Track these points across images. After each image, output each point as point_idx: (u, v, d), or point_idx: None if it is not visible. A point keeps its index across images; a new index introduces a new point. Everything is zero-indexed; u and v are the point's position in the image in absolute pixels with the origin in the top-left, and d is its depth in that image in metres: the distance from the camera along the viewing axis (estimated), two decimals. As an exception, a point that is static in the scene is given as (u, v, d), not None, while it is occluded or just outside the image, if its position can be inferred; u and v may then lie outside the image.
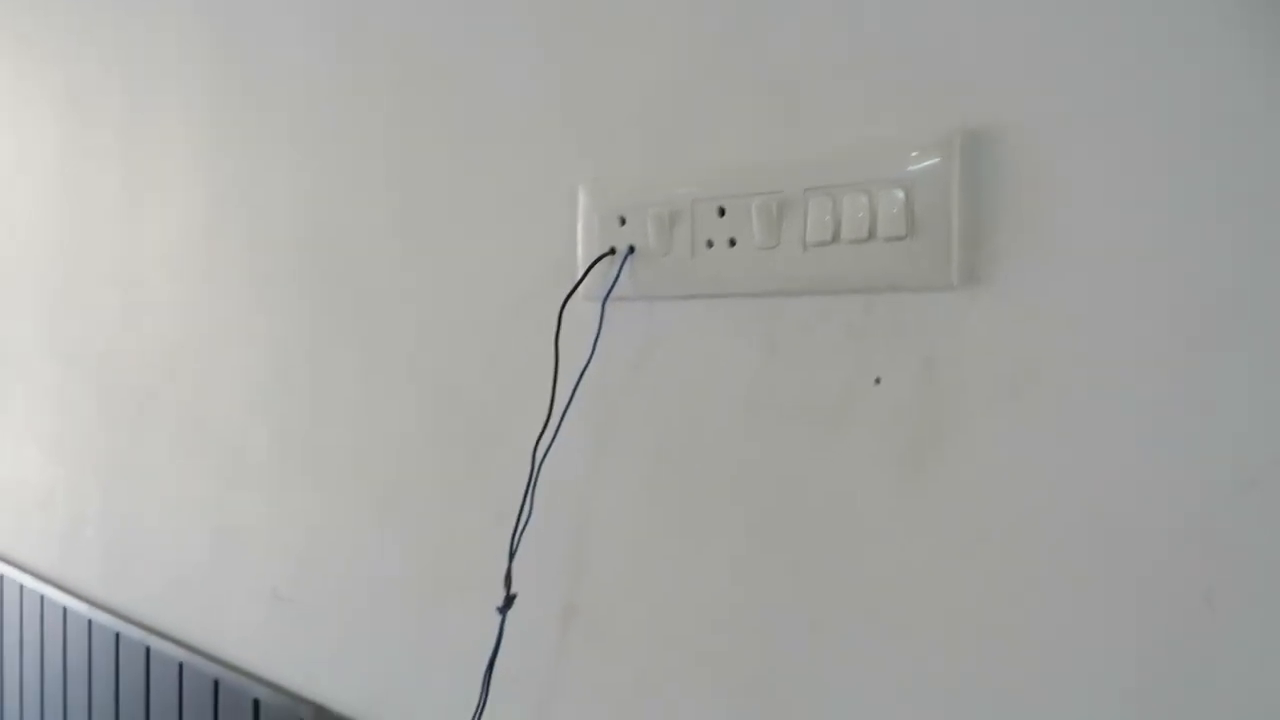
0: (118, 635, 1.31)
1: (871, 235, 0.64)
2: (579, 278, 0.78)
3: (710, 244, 0.73)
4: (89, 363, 1.40)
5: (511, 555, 0.79)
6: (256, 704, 1.10)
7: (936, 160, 0.61)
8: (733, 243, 0.71)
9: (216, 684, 1.15)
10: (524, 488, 0.80)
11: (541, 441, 0.79)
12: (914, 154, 0.62)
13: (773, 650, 0.70)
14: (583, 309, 0.78)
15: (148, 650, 1.26)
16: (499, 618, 0.80)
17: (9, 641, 1.54)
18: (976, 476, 0.61)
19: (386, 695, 0.97)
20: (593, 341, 0.77)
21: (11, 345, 1.59)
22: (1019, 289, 0.60)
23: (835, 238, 0.66)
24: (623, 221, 0.77)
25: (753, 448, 0.71)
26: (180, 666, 1.20)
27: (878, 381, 0.65)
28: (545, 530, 0.81)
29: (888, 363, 0.65)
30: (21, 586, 1.51)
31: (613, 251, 0.78)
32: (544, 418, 0.79)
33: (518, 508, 0.80)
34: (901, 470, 0.64)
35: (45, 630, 1.46)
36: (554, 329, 0.79)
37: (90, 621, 1.36)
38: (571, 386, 0.78)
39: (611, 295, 0.77)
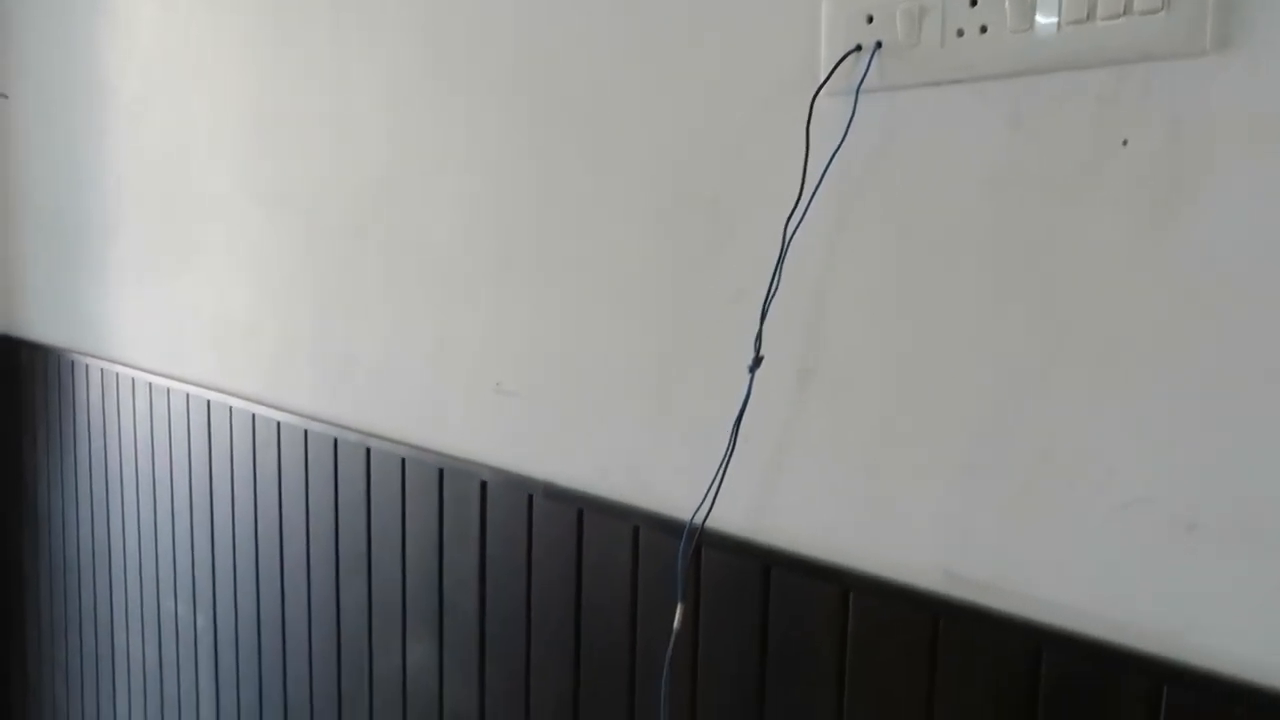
0: (335, 440, 1.47)
1: (1127, 10, 0.73)
2: (828, 72, 0.87)
3: (960, 33, 0.81)
4: (297, 200, 1.53)
5: (763, 317, 0.91)
6: (484, 486, 1.25)
7: (1200, -65, 0.69)
8: (984, 29, 0.80)
9: (441, 473, 1.30)
10: (772, 262, 0.91)
11: (791, 220, 0.89)
12: (1177, -69, 0.70)
13: (1006, 404, 0.81)
14: (829, 104, 0.88)
15: (368, 451, 1.41)
16: (748, 377, 0.92)
17: (218, 457, 1.72)
18: (1219, 232, 0.70)
19: (618, 467, 1.10)
20: (844, 129, 0.87)
21: (209, 187, 1.73)
22: (1271, 51, 0.68)
23: (1090, 15, 0.74)
24: (870, 20, 0.86)
25: (996, 217, 0.80)
26: (402, 461, 1.36)
27: (1125, 144, 0.74)
28: (790, 301, 0.92)
29: (1136, 126, 0.73)
30: (231, 408, 1.68)
31: (859, 48, 0.87)
32: (794, 199, 0.89)
33: (761, 283, 0.91)
34: (1145, 227, 0.74)
35: (258, 445, 1.62)
36: (804, 121, 0.88)
37: (306, 432, 1.52)
38: (821, 170, 0.88)
39: (861, 88, 0.86)
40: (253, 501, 1.65)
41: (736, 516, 0.98)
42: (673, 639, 0.98)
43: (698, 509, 0.98)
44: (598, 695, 1.14)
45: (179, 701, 1.91)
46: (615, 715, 1.11)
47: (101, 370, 2.05)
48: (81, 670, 2.24)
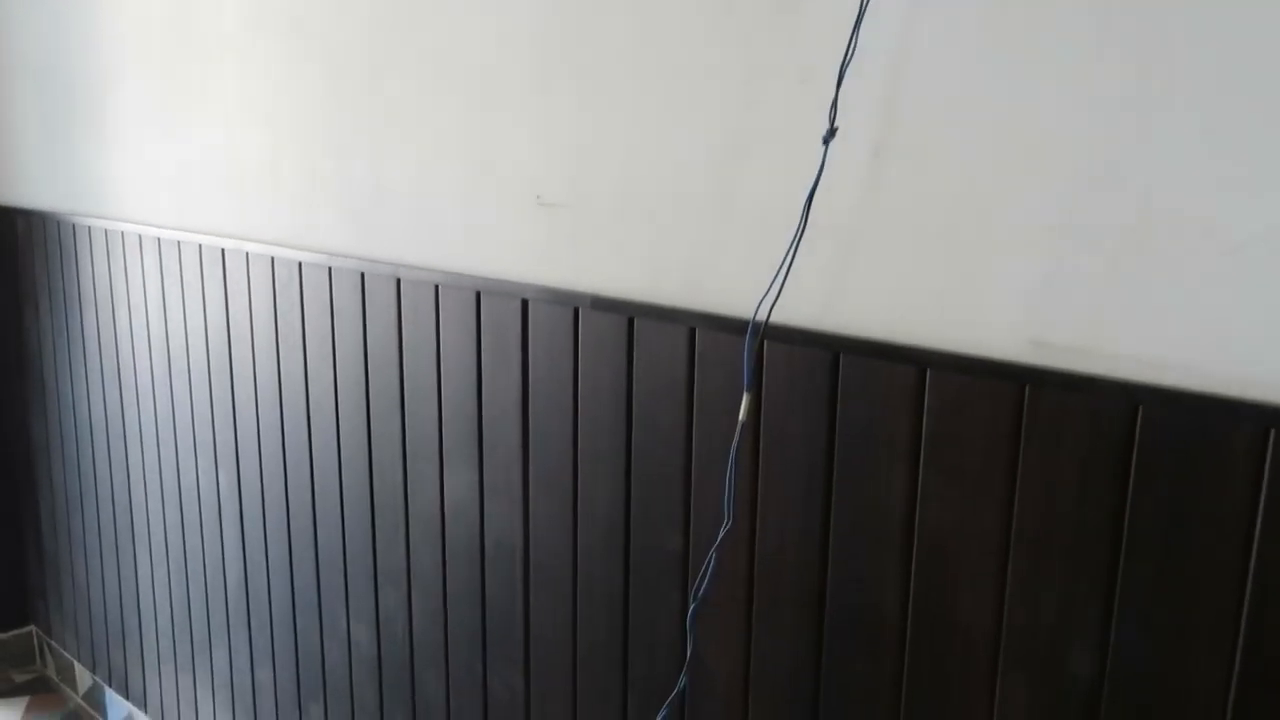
0: (362, 275, 1.42)
1: None
2: None
3: None
4: (313, 27, 1.45)
5: (838, 84, 0.86)
6: (525, 305, 1.21)
7: None
8: None
9: (478, 296, 1.26)
10: (847, 26, 0.85)
11: (869, -16, 0.84)
12: None
13: (1103, 156, 0.77)
14: None
15: (397, 282, 1.37)
16: (820, 151, 0.87)
17: (236, 307, 1.67)
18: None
19: (672, 269, 1.06)
20: None
21: (216, 26, 1.64)
22: None
23: None
24: None
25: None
26: (436, 289, 1.31)
27: None
28: (866, 66, 0.87)
29: None
30: (247, 254, 1.63)
31: None
32: (874, -48, 0.83)
33: (835, 51, 0.86)
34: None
35: (278, 288, 1.58)
36: None
37: (330, 270, 1.47)
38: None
39: None
40: (274, 350, 1.61)
41: (803, 306, 0.95)
42: (738, 431, 0.96)
43: (761, 300, 0.94)
44: (649, 509, 1.12)
45: (204, 563, 1.90)
46: (668, 527, 1.09)
47: (105, 231, 1.98)
48: (100, 540, 2.23)
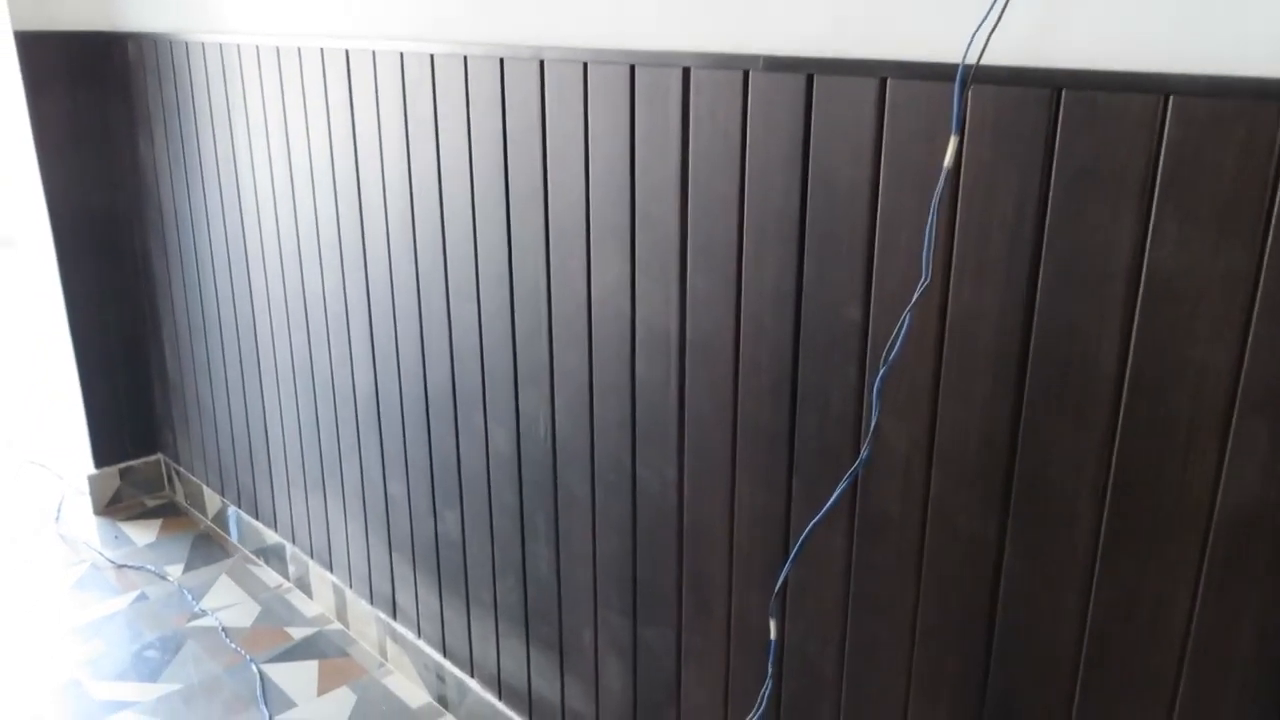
0: (500, 61, 1.36)
1: None
2: None
3: None
4: None
5: None
6: (685, 74, 1.14)
7: None
8: None
9: (631, 71, 1.19)
10: None
11: None
12: None
13: None
14: None
15: (540, 65, 1.31)
16: None
17: (362, 111, 1.63)
18: None
19: (856, 16, 0.98)
20: None
21: None
22: None
23: None
24: None
25: None
26: (584, 68, 1.25)
27: None
28: None
29: None
30: (374, 53, 1.57)
31: None
32: None
33: None
34: None
35: (408, 86, 1.53)
36: None
37: (465, 59, 1.41)
38: None
39: None
40: (404, 151, 1.57)
41: (1016, 42, 0.87)
42: (942, 178, 0.89)
43: (972, 38, 0.86)
44: (825, 279, 1.06)
45: (332, 379, 1.92)
46: (847, 295, 1.04)
47: (220, 46, 1.94)
48: (225, 364, 2.27)
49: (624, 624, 1.42)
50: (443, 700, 1.85)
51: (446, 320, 1.58)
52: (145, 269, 2.50)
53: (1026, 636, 0.97)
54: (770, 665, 1.15)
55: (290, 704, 1.88)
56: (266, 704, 1.87)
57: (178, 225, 2.29)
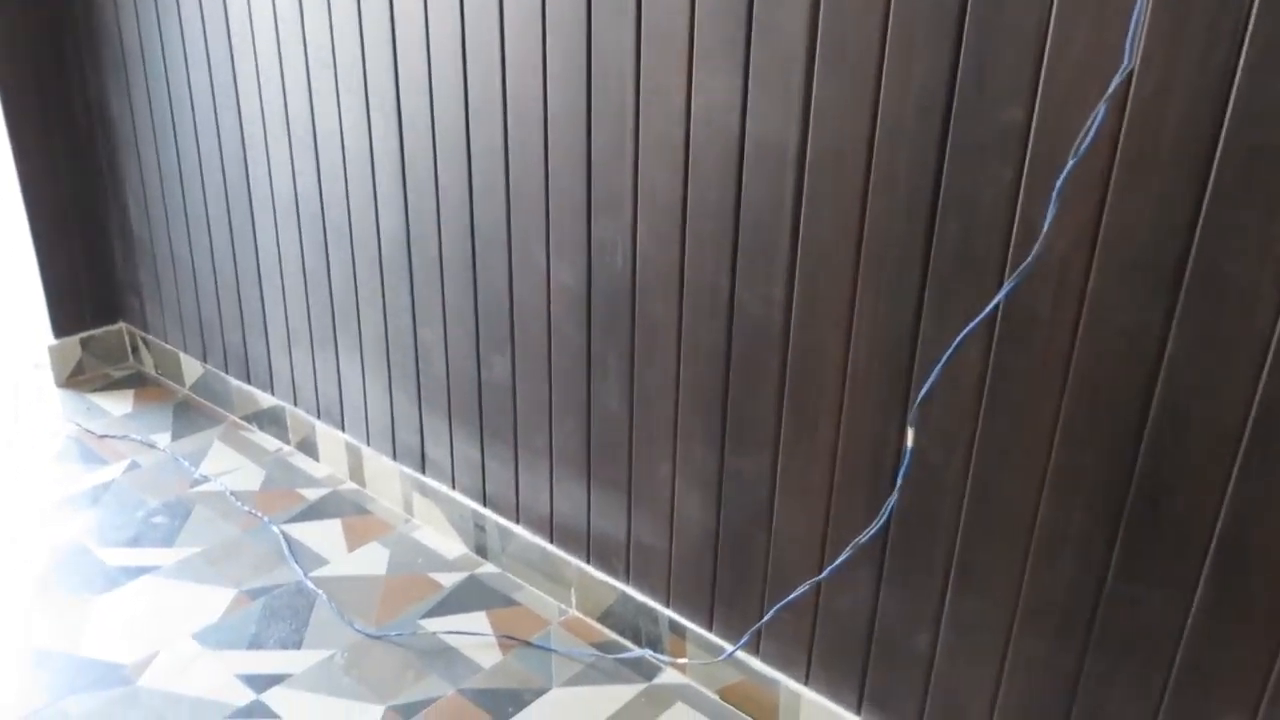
0: None
1: None
2: None
3: None
4: None
5: None
6: None
7: None
8: None
9: None
10: None
11: None
12: None
13: None
14: None
15: None
16: None
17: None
18: None
19: None
20: None
21: None
22: None
23: None
24: None
25: None
26: None
27: None
28: None
29: None
30: None
31: None
32: None
33: None
34: None
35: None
36: None
37: None
38: None
39: None
40: (450, -35, 1.45)
41: None
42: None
43: None
44: (983, 77, 1.03)
45: (349, 219, 1.81)
46: (1008, 94, 1.01)
47: None
48: (208, 213, 2.11)
49: (709, 455, 1.40)
50: (481, 549, 1.82)
51: (503, 151, 1.49)
52: (101, 118, 2.28)
53: (1182, 428, 0.99)
54: (900, 476, 1.16)
55: (321, 560, 1.82)
56: (298, 562, 1.81)
57: (144, 59, 2.08)
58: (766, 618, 1.37)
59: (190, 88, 2.00)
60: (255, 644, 1.62)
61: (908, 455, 1.13)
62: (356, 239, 1.80)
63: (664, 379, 1.42)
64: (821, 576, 1.27)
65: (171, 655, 1.59)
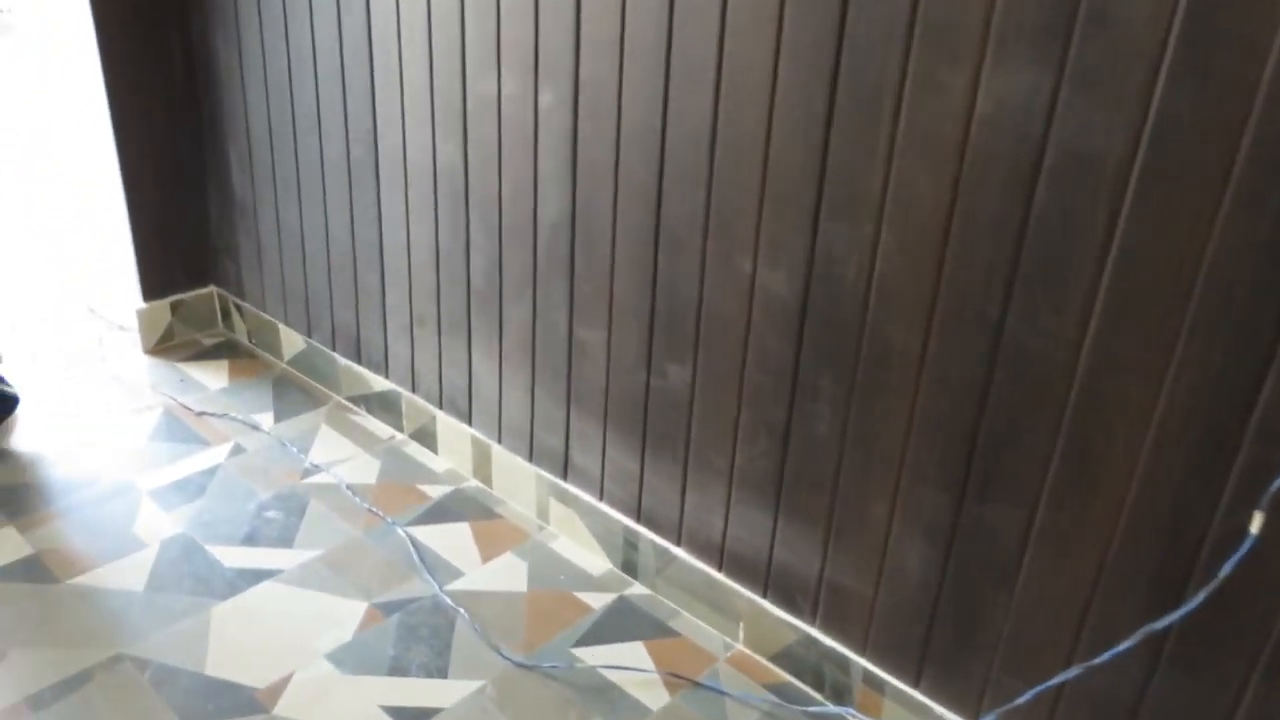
0: None
1: None
2: None
3: None
4: None
5: None
6: None
7: None
8: None
9: None
10: None
11: None
12: None
13: None
14: None
15: None
16: None
17: None
18: None
19: None
20: None
21: None
22: None
23: None
24: None
25: None
26: None
27: None
28: None
29: None
30: None
31: None
32: None
33: None
34: None
35: None
36: None
37: None
38: None
39: None
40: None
41: None
42: None
43: None
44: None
45: (499, 210, 1.62)
46: None
47: None
48: (324, 184, 1.92)
49: (942, 499, 1.22)
50: (630, 568, 1.66)
51: (710, 131, 1.29)
52: (205, 63, 2.09)
53: None
54: (1231, 565, 0.97)
55: (455, 572, 1.67)
56: (430, 572, 1.65)
57: (260, 8, 1.88)
58: (1024, 699, 1.19)
59: (314, 37, 1.80)
60: (396, 669, 1.47)
61: (1250, 541, 0.94)
62: (507, 223, 1.61)
63: (894, 410, 1.24)
64: (1098, 660, 1.10)
65: (306, 678, 1.44)
